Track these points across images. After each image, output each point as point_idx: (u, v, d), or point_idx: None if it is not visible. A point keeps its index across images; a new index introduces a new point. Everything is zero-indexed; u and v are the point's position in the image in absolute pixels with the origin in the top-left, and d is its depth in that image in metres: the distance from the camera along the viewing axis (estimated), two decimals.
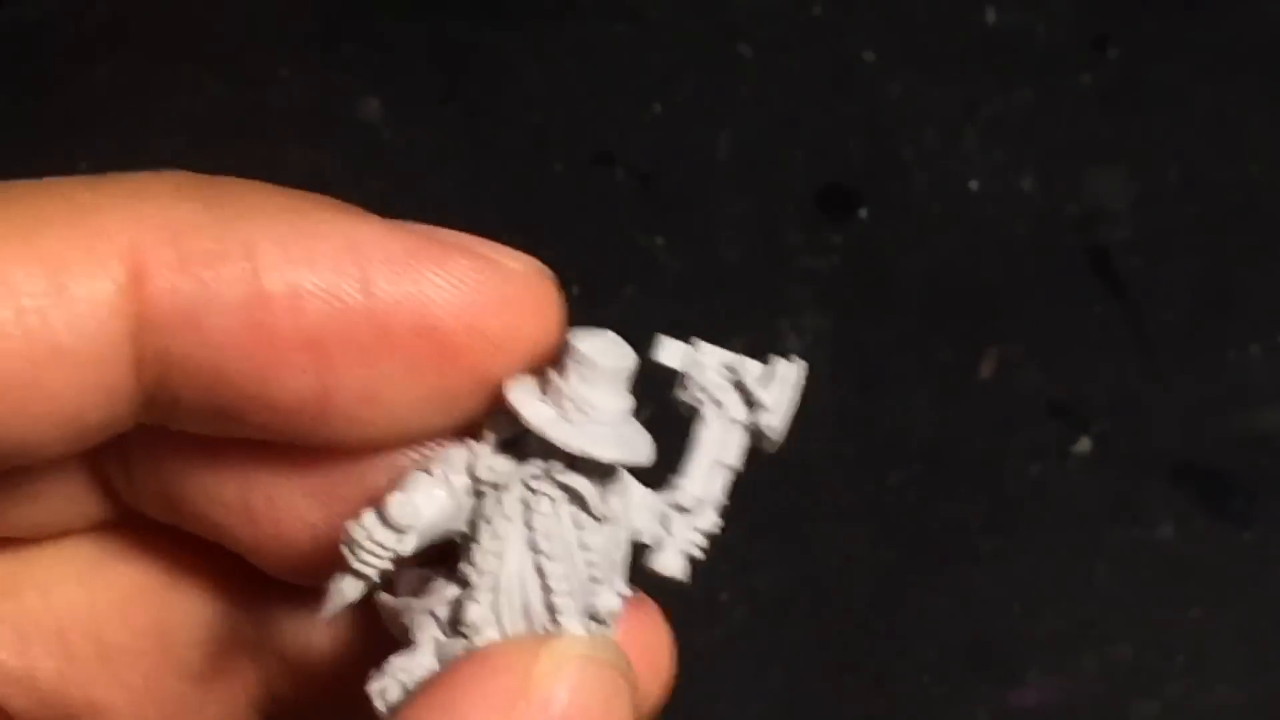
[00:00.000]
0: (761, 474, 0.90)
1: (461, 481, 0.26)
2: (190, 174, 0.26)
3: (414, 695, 0.25)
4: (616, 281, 0.85)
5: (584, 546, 0.26)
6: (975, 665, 0.78)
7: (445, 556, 0.27)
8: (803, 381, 0.28)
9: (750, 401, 0.28)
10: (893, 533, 0.80)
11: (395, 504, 0.25)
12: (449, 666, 0.25)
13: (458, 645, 0.26)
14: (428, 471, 0.26)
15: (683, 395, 0.28)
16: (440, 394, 0.26)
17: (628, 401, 0.26)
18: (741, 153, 0.88)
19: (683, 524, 0.28)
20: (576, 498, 0.26)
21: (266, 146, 0.84)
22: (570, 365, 0.26)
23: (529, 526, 0.26)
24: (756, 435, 0.28)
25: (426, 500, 0.26)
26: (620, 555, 0.27)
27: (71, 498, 0.28)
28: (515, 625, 0.26)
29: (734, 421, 0.28)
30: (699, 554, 0.28)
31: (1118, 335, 0.84)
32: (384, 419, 0.26)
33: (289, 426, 0.26)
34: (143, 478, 0.28)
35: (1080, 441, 0.82)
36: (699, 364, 0.28)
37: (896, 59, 0.89)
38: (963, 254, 0.86)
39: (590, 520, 0.26)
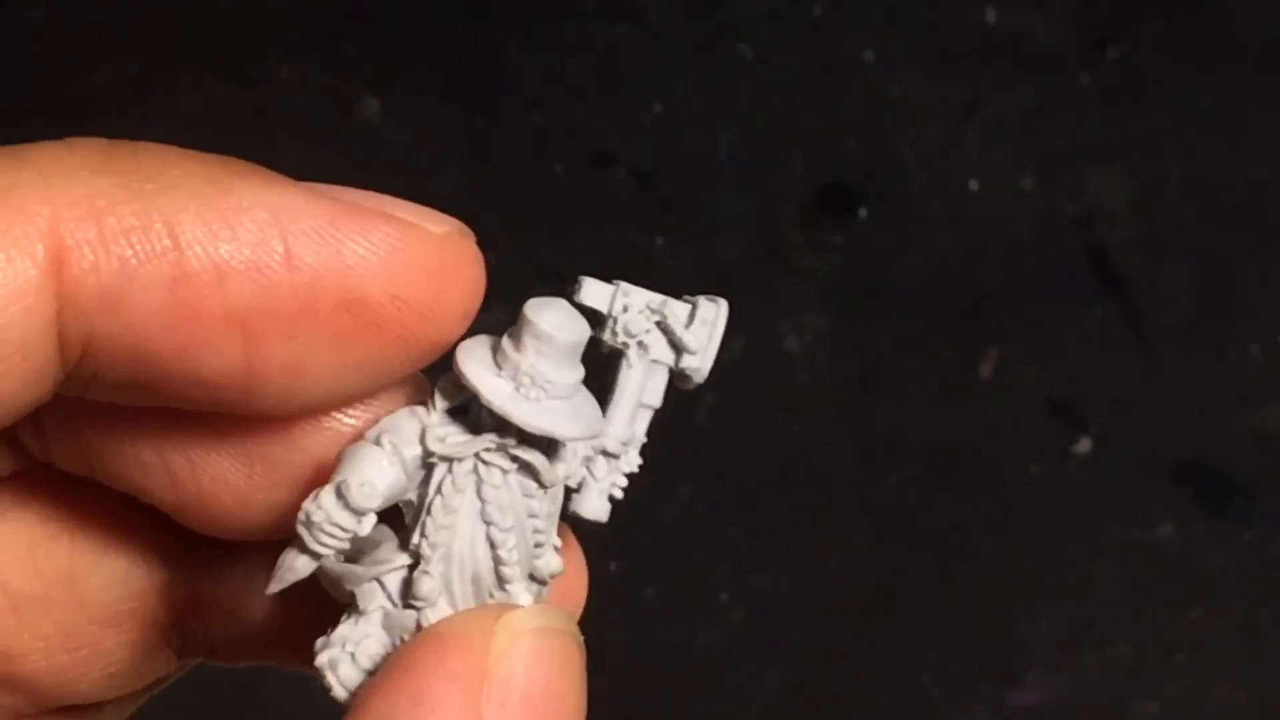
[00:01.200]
0: (762, 474, 0.90)
1: (412, 453, 0.26)
2: (105, 143, 0.25)
3: (374, 682, 0.25)
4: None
5: (532, 514, 0.27)
6: (975, 665, 0.78)
7: (383, 518, 0.27)
8: (724, 320, 0.28)
9: (674, 344, 0.28)
10: (893, 533, 0.80)
11: (355, 486, 0.25)
12: (404, 650, 0.25)
13: (408, 617, 0.26)
14: (377, 443, 0.26)
15: (606, 337, 0.28)
16: (366, 363, 0.26)
17: (580, 372, 0.26)
18: (741, 153, 0.88)
19: (606, 467, 0.28)
20: (528, 469, 0.26)
21: (266, 146, 0.84)
22: (527, 340, 0.26)
23: (480, 498, 0.26)
24: (680, 376, 0.28)
25: (381, 477, 0.26)
26: (557, 511, 0.27)
27: None
28: (465, 594, 0.27)
29: (656, 363, 0.28)
30: (619, 494, 0.28)
31: (1118, 335, 0.84)
32: (310, 389, 0.26)
33: (213, 399, 0.25)
34: (57, 439, 0.28)
35: (1080, 441, 0.82)
36: (623, 306, 0.28)
37: (896, 59, 0.89)
38: (963, 254, 0.86)
39: (538, 489, 0.26)
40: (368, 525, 0.26)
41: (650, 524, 0.78)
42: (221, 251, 0.24)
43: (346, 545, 0.26)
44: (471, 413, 0.26)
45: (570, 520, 0.28)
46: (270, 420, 0.26)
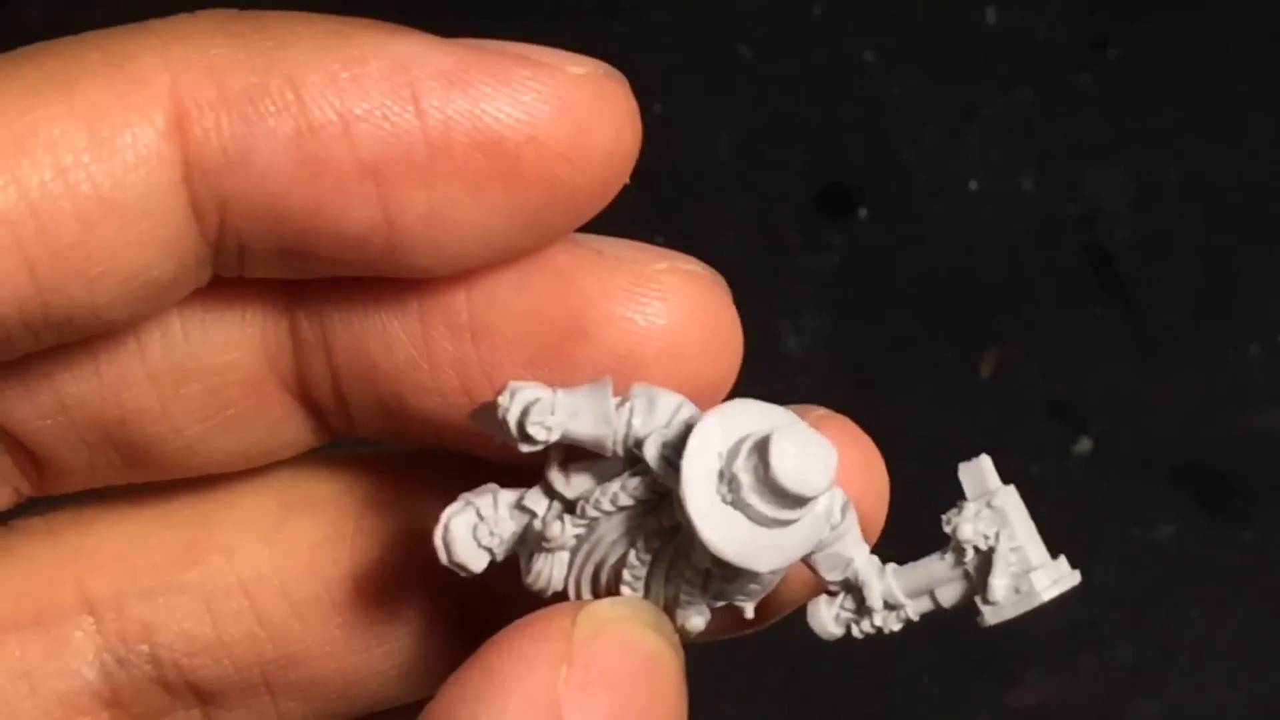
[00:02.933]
0: None
1: (625, 429, 0.25)
2: (226, 10, 0.25)
3: (456, 673, 0.25)
4: None
5: (685, 578, 0.26)
6: (975, 665, 0.78)
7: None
8: (1049, 598, 0.27)
9: (985, 582, 0.27)
10: (893, 532, 0.80)
11: (539, 410, 0.25)
12: (490, 640, 0.25)
13: (535, 541, 0.25)
14: (629, 398, 0.25)
15: (948, 517, 0.27)
16: (510, 211, 0.25)
17: (810, 508, 0.24)
18: (741, 153, 0.88)
19: (847, 597, 0.27)
20: (695, 559, 0.25)
21: None
22: (762, 484, 0.24)
23: (641, 523, 0.25)
24: (972, 604, 0.27)
25: (579, 423, 0.25)
26: (740, 591, 0.26)
27: (275, 424, 0.28)
28: (582, 574, 0.26)
29: (965, 580, 0.27)
30: (855, 631, 0.27)
31: (1118, 335, 0.84)
32: (456, 240, 0.25)
33: (361, 258, 0.25)
34: (356, 386, 0.27)
35: (1080, 441, 0.82)
36: (977, 510, 0.27)
37: (896, 59, 0.89)
38: (963, 254, 0.86)
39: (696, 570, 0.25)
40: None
41: None
42: (347, 102, 0.24)
43: (544, 444, 0.25)
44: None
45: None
46: (563, 317, 0.26)
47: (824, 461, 0.24)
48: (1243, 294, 0.85)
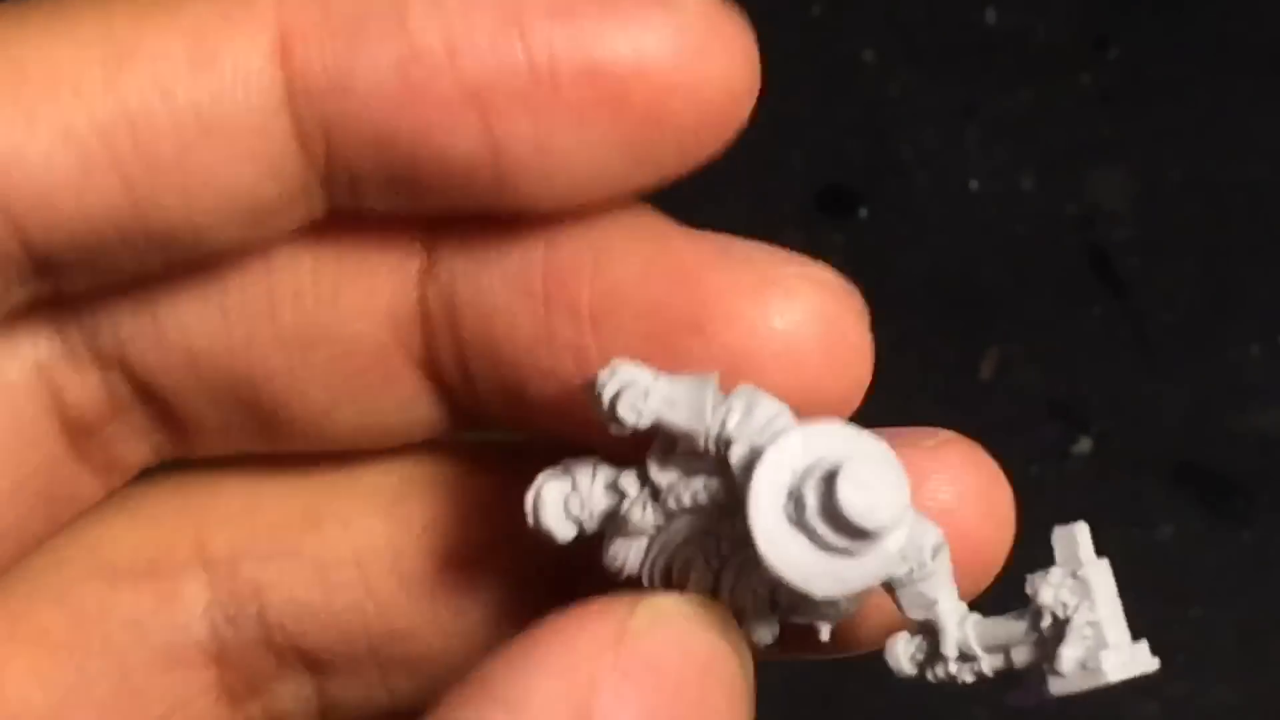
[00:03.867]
0: None
1: (717, 427, 0.25)
2: None
3: (511, 640, 0.24)
4: None
5: (755, 586, 0.25)
6: None
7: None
8: (1113, 681, 0.27)
9: (1055, 651, 0.27)
10: None
11: (632, 395, 0.24)
12: (544, 619, 0.24)
13: (619, 529, 0.25)
14: (722, 396, 0.24)
15: (1032, 580, 0.27)
16: (617, 142, 0.25)
17: (879, 543, 0.24)
18: (741, 153, 0.88)
19: (930, 644, 0.27)
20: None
21: None
22: (825, 512, 0.23)
23: (717, 524, 0.25)
24: (1041, 670, 0.27)
25: (673, 411, 0.24)
26: (811, 613, 0.26)
27: (403, 401, 0.28)
28: (655, 569, 0.26)
29: (1039, 645, 0.27)
30: (929, 676, 0.27)
31: (1118, 335, 0.84)
32: (564, 171, 0.25)
33: (470, 189, 0.25)
34: (480, 364, 0.27)
35: (1080, 441, 0.82)
36: (1065, 578, 0.27)
37: (896, 59, 0.89)
38: (963, 254, 0.86)
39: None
40: (625, 429, 0.25)
41: None
42: (451, 29, 0.24)
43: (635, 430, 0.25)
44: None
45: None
46: (684, 311, 0.25)
47: (891, 500, 0.23)
48: (1243, 294, 0.85)
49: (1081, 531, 0.26)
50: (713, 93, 0.25)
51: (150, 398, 0.28)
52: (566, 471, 0.26)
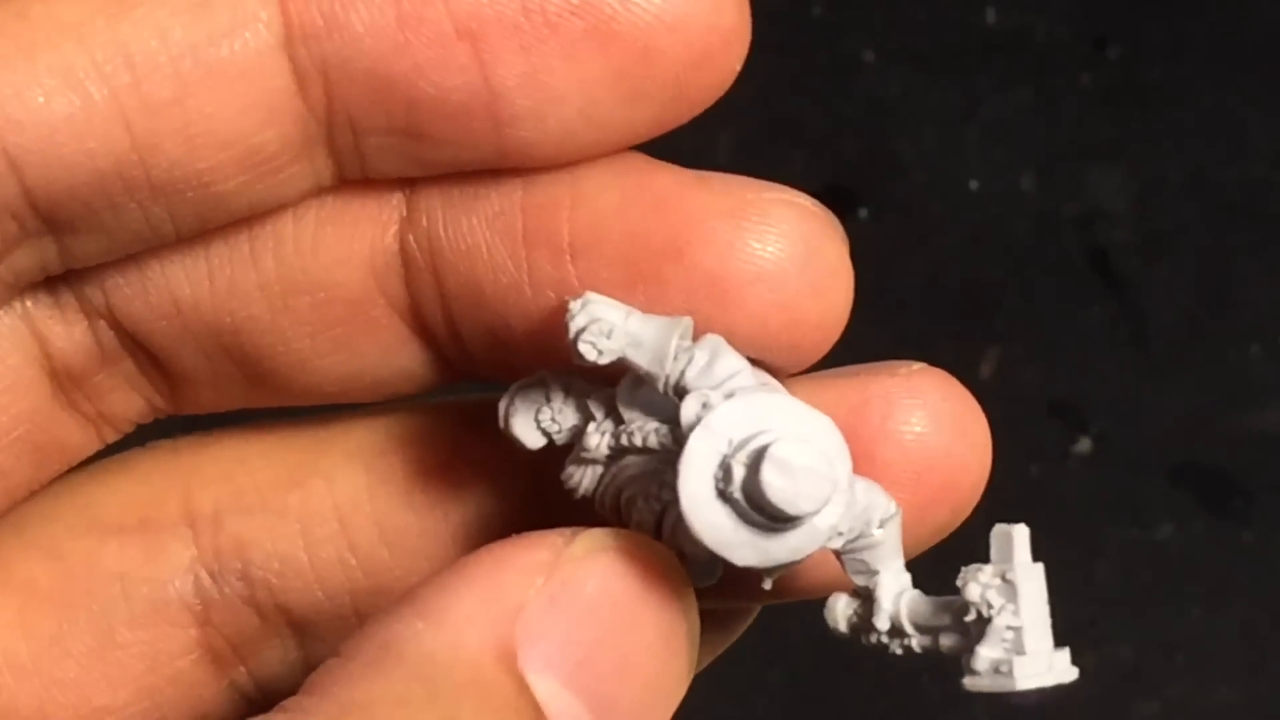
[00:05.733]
0: None
1: (674, 373, 0.25)
2: None
3: (447, 568, 0.24)
4: None
5: (690, 539, 0.25)
6: None
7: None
8: (1021, 689, 0.27)
9: (973, 643, 0.27)
10: None
11: (598, 331, 0.25)
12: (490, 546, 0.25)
13: (570, 457, 0.25)
14: (689, 343, 0.25)
15: (965, 573, 0.27)
16: (611, 80, 0.25)
17: (808, 522, 0.24)
18: (741, 153, 0.88)
19: (866, 610, 0.27)
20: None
21: None
22: (749, 490, 0.23)
23: (661, 469, 0.25)
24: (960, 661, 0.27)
25: (633, 348, 0.25)
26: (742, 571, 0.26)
27: (387, 349, 0.28)
28: (605, 497, 0.26)
29: (963, 636, 0.27)
30: (863, 640, 0.27)
31: (1118, 335, 0.84)
32: (558, 111, 0.25)
33: (468, 135, 0.25)
34: (464, 319, 0.27)
35: (1080, 441, 0.82)
36: (994, 578, 0.27)
37: (896, 59, 0.89)
38: (963, 254, 0.86)
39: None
40: (585, 363, 0.25)
41: None
42: None
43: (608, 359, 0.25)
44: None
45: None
46: (662, 238, 0.26)
47: (815, 489, 0.23)
48: (1243, 294, 0.85)
49: (1020, 533, 0.26)
50: (701, 30, 0.25)
51: (137, 347, 0.28)
52: (541, 383, 0.26)
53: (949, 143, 0.87)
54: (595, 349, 0.25)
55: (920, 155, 0.87)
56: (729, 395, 0.24)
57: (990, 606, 0.25)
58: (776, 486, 0.23)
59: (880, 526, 0.25)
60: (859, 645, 0.27)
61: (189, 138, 0.24)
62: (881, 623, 0.26)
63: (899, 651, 0.27)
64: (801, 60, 0.88)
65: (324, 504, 0.29)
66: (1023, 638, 0.25)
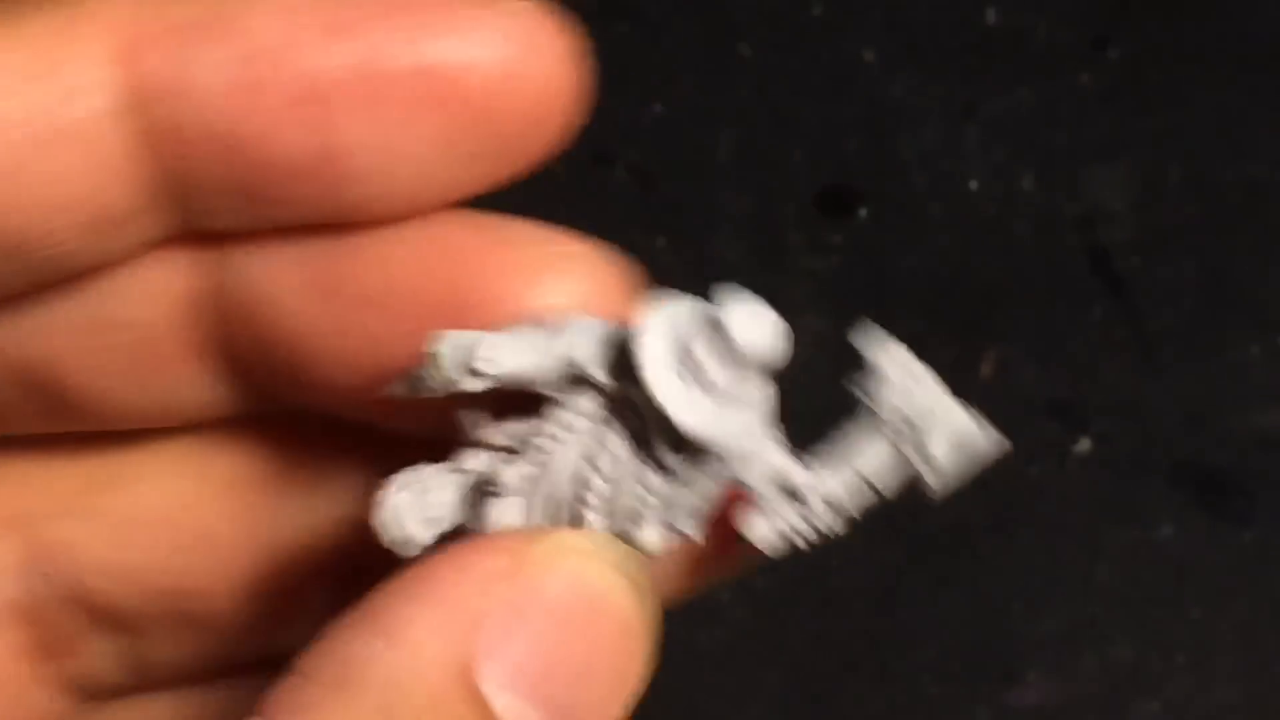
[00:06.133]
0: None
1: (563, 354, 0.25)
2: None
3: (403, 570, 0.24)
4: None
5: (648, 488, 0.26)
6: (975, 665, 0.78)
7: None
8: (990, 455, 0.27)
9: (923, 452, 0.27)
10: (893, 533, 0.80)
11: (484, 348, 0.25)
12: (446, 548, 0.25)
13: (484, 506, 0.25)
14: (540, 325, 0.25)
15: (868, 395, 0.27)
16: (449, 138, 0.25)
17: (768, 389, 0.25)
18: (741, 153, 0.88)
19: (784, 502, 0.27)
20: (657, 453, 0.25)
21: None
22: (717, 344, 0.25)
23: (598, 440, 0.25)
24: (914, 480, 0.27)
25: (514, 356, 0.25)
26: (692, 504, 0.26)
27: (191, 385, 0.28)
28: (539, 508, 0.26)
29: (902, 456, 0.27)
30: (796, 539, 0.27)
31: (1118, 335, 0.84)
32: (399, 172, 0.25)
33: (310, 194, 0.25)
34: (265, 361, 0.28)
35: (1080, 441, 0.82)
36: (902, 382, 0.27)
37: (896, 59, 0.89)
38: (963, 254, 0.86)
39: (656, 470, 0.26)
40: (478, 386, 0.25)
41: None
42: (289, 29, 0.24)
43: (490, 385, 0.25)
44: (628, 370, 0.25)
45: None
46: (460, 292, 0.26)
47: (774, 323, 0.25)
48: (1243, 294, 0.85)
49: (881, 333, 0.27)
50: (539, 93, 0.26)
51: None
52: (403, 483, 0.26)
53: (949, 143, 0.87)
54: (493, 362, 0.25)
55: (920, 155, 0.87)
56: (623, 335, 0.25)
57: (912, 395, 0.26)
58: (747, 328, 0.24)
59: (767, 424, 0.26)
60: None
61: (30, 204, 0.24)
62: (814, 502, 0.26)
63: (840, 527, 0.27)
64: (801, 60, 0.88)
65: (144, 507, 0.29)
66: (950, 415, 0.26)
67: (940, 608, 0.79)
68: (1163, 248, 0.86)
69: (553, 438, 0.25)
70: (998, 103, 0.88)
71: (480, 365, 0.24)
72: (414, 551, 0.25)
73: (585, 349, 0.25)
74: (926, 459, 0.27)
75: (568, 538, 0.25)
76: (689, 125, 0.91)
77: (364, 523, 0.27)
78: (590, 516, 0.25)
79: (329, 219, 0.26)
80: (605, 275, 0.28)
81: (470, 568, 0.24)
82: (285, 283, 0.27)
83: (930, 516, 0.81)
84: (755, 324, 0.25)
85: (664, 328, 0.24)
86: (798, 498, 0.26)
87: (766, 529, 0.27)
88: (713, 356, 0.24)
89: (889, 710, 0.78)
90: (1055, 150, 0.88)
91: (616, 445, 0.24)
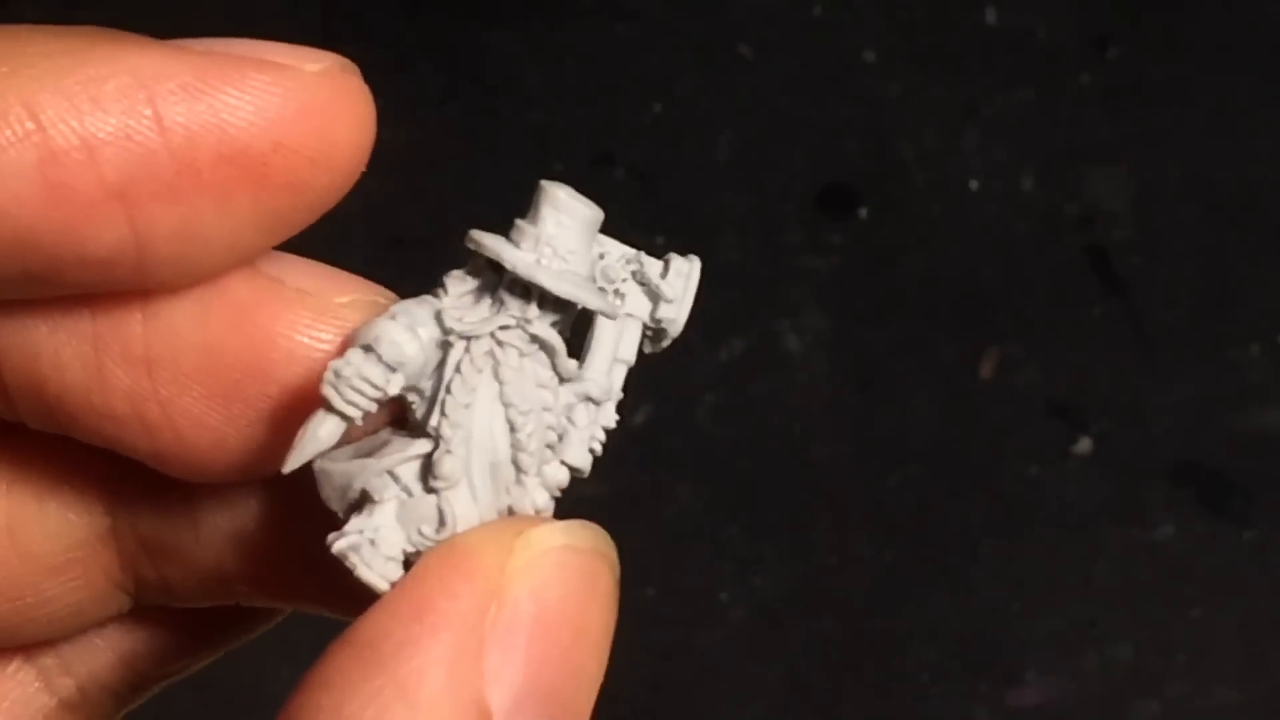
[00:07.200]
0: (762, 474, 0.90)
1: (428, 333, 0.25)
2: None
3: (382, 598, 0.24)
4: None
5: (546, 408, 0.26)
6: (975, 665, 0.78)
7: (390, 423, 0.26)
8: (698, 275, 0.28)
9: (650, 294, 0.28)
10: (893, 533, 0.80)
11: (386, 342, 0.25)
12: (418, 563, 0.24)
13: (427, 503, 0.25)
14: (392, 318, 0.25)
15: (606, 267, 0.28)
16: (259, 217, 0.25)
17: (595, 254, 0.26)
18: (741, 153, 0.88)
19: (587, 416, 0.27)
20: (546, 349, 0.26)
21: None
22: (545, 213, 0.26)
23: (498, 379, 0.26)
24: (656, 332, 0.28)
25: (407, 341, 0.25)
26: (582, 428, 0.27)
27: None
28: (484, 483, 0.26)
29: (631, 316, 0.28)
30: (599, 449, 0.27)
31: (1118, 335, 0.84)
32: (205, 253, 0.25)
33: (109, 279, 0.25)
34: (24, 399, 0.27)
35: (1080, 441, 0.82)
36: (599, 254, 0.28)
37: (896, 59, 0.89)
38: (963, 254, 0.86)
39: (553, 380, 0.26)
40: (397, 384, 0.25)
41: (650, 524, 0.78)
42: (88, 124, 0.24)
43: (373, 406, 0.25)
44: (483, 297, 0.26)
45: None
46: (243, 353, 0.26)
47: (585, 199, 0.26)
48: (1243, 294, 0.85)
49: (555, 187, 0.27)
50: (344, 154, 0.25)
51: None
52: (355, 534, 0.26)
53: (949, 143, 0.88)
54: (413, 336, 0.25)
55: (920, 155, 0.87)
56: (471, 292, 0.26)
57: (627, 259, 0.27)
58: (566, 192, 0.26)
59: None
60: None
61: None
62: (608, 406, 0.27)
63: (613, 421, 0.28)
64: (801, 60, 0.88)
65: None
66: (640, 255, 0.27)
67: (940, 608, 0.79)
68: (1163, 248, 0.86)
69: (463, 404, 0.25)
70: (998, 103, 0.88)
71: (391, 353, 0.24)
72: (383, 589, 0.26)
73: (437, 311, 0.25)
74: (662, 295, 0.27)
75: (538, 537, 0.24)
76: (689, 125, 0.91)
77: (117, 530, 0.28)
78: (525, 459, 0.25)
79: (126, 292, 0.26)
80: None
81: (460, 595, 0.23)
82: (47, 337, 0.26)
83: (930, 516, 0.82)
84: (571, 191, 0.26)
85: (491, 234, 0.26)
86: (594, 404, 0.27)
87: (579, 450, 0.28)
88: (544, 222, 0.26)
89: (889, 710, 0.78)
90: (1055, 150, 0.88)
91: (513, 375, 0.25)
